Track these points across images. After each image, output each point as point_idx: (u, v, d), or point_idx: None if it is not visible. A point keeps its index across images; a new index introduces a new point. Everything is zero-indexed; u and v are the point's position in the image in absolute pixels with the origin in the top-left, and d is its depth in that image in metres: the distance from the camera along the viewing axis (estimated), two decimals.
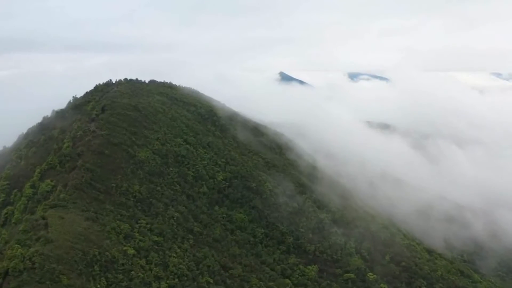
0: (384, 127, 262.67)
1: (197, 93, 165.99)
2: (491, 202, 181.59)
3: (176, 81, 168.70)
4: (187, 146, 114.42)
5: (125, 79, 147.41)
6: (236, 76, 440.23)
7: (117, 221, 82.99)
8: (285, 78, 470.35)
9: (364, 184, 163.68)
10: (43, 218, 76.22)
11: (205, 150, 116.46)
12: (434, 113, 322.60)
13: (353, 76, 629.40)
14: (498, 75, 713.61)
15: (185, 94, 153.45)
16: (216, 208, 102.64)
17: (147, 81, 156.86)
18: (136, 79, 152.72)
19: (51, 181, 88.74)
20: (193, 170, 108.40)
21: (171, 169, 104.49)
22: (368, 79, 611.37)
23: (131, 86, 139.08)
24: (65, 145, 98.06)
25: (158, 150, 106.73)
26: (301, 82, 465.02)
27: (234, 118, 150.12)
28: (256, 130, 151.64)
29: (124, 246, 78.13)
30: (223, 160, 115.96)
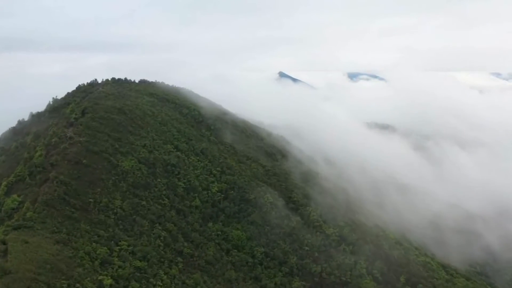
0: (385, 128, 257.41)
1: (191, 93, 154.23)
2: (502, 209, 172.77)
3: (173, 81, 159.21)
4: (178, 153, 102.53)
5: (113, 78, 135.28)
6: (235, 76, 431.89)
7: (93, 244, 71.14)
8: (285, 78, 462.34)
9: (369, 191, 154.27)
10: (3, 243, 64.27)
11: (198, 158, 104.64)
12: (434, 113, 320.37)
13: (352, 76, 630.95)
14: (498, 75, 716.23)
15: (178, 95, 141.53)
16: (210, 224, 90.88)
17: (137, 81, 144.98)
18: (125, 78, 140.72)
19: (18, 196, 76.63)
20: (184, 180, 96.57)
21: (159, 180, 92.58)
22: (367, 79, 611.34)
23: (118, 87, 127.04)
24: (37, 153, 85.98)
25: (144, 159, 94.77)
26: (300, 82, 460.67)
27: (231, 121, 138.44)
28: (255, 134, 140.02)
29: (100, 274, 66.27)
30: (218, 169, 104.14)
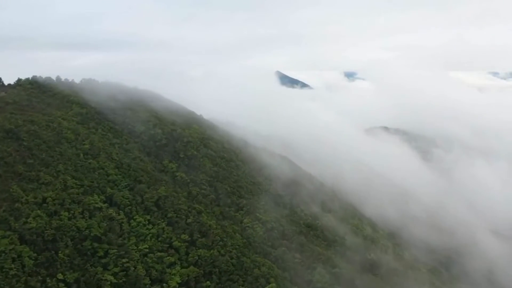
0: (386, 131, 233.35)
1: (159, 98, 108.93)
2: None
3: (165, 81, 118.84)
4: (111, 211, 56.95)
5: (34, 77, 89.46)
6: (230, 75, 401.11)
7: None
8: (282, 77, 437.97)
9: (403, 231, 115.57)
10: None
11: (148, 218, 59.04)
12: (435, 113, 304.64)
13: (349, 75, 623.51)
14: (495, 74, 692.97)
15: (136, 102, 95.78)
16: None
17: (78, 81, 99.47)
18: (57, 78, 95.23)
19: None
20: (117, 269, 51.16)
21: (59, 275, 47.02)
22: (364, 79, 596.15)
23: (35, 90, 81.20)
24: None
25: (35, 232, 49.03)
26: (297, 81, 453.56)
27: (213, 140, 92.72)
28: (249, 159, 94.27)
29: None
30: (184, 236, 58.73)
